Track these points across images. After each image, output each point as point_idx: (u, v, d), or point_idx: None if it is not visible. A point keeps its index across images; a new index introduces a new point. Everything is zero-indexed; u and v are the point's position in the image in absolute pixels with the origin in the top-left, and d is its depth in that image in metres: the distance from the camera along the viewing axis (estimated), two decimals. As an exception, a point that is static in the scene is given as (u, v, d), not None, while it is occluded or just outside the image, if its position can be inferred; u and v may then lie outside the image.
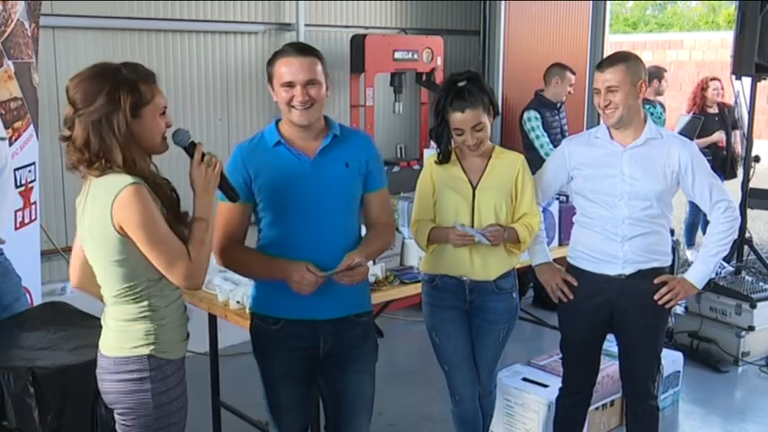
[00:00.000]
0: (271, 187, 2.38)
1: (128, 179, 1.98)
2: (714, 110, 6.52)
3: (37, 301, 3.52)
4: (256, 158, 2.40)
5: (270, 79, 2.41)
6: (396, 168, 5.46)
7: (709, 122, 6.45)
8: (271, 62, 2.40)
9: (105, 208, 1.98)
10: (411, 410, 4.10)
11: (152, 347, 2.12)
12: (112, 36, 4.49)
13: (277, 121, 2.49)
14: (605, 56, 3.00)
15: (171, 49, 4.74)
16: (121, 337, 2.15)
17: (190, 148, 2.12)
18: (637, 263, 2.92)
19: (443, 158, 2.98)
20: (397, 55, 5.38)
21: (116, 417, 2.18)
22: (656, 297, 2.92)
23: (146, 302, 2.11)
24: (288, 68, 2.34)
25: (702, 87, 6.58)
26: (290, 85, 2.33)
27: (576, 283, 3.01)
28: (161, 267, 2.04)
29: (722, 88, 6.56)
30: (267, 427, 2.99)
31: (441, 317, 3.04)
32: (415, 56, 5.48)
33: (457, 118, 2.84)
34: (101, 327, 2.99)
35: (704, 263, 2.97)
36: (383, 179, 2.60)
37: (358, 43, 5.28)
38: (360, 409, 2.64)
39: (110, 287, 2.13)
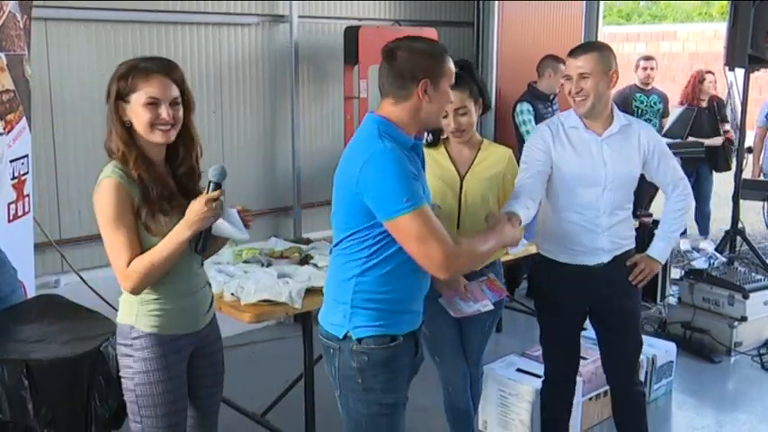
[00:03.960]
0: None
1: (106, 172, 2.18)
2: (705, 103, 6.55)
3: (31, 293, 3.51)
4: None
5: (441, 75, 2.22)
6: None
7: (701, 115, 6.47)
8: (441, 56, 2.23)
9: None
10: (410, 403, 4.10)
11: (134, 319, 2.25)
12: (104, 28, 4.46)
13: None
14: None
15: (164, 41, 4.73)
16: (120, 307, 2.31)
17: (214, 186, 2.17)
18: (613, 251, 2.97)
19: (432, 142, 3.02)
20: (391, 47, 5.36)
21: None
22: (630, 279, 2.99)
23: None
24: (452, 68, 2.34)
25: (700, 80, 6.60)
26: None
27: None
28: (110, 260, 2.19)
29: (715, 81, 6.58)
30: (260, 418, 2.98)
31: (430, 308, 3.04)
32: (409, 48, 5.46)
33: None
34: (94, 319, 3.01)
35: (665, 239, 3.08)
36: None
37: (351, 35, 5.26)
38: None
39: None
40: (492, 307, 2.86)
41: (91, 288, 4.07)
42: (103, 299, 3.95)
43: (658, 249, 3.05)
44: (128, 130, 2.19)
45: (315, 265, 3.39)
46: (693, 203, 3.13)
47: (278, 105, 5.42)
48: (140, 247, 2.16)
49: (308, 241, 3.96)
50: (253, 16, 5.20)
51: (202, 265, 2.42)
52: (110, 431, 2.77)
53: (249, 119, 5.25)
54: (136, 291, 2.18)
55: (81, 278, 4.16)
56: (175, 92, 2.21)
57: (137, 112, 2.16)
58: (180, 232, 2.14)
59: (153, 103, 2.15)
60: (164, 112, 2.16)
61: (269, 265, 3.43)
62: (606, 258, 2.96)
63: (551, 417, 3.30)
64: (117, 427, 2.76)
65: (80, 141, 4.40)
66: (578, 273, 2.96)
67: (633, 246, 3.07)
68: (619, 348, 3.09)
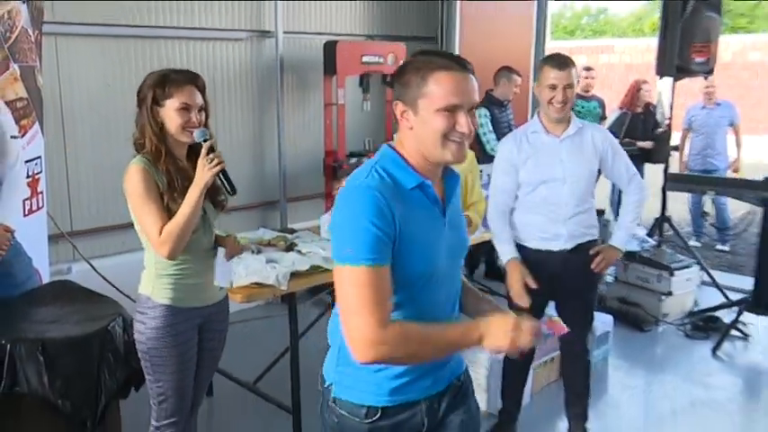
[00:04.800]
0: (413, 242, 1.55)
1: (133, 161, 2.24)
2: (641, 109, 6.62)
3: (45, 280, 3.45)
4: (399, 202, 1.53)
5: (418, 97, 1.55)
6: (364, 159, 5.45)
7: (635, 119, 6.55)
8: (428, 73, 1.55)
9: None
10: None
11: (150, 290, 2.32)
12: (109, 42, 4.39)
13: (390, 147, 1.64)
14: (550, 55, 2.99)
15: (163, 54, 4.66)
16: (141, 280, 2.37)
17: (201, 144, 2.24)
18: (576, 238, 2.99)
19: None
20: (365, 59, 5.35)
21: None
22: (592, 266, 3.00)
23: (152, 254, 2.30)
24: (456, 84, 1.56)
25: (638, 89, 6.67)
26: (456, 108, 1.54)
27: (534, 286, 2.89)
28: (144, 234, 2.25)
29: (650, 90, 6.65)
30: (252, 386, 2.96)
31: None
32: (381, 60, 5.45)
33: None
34: (103, 302, 2.98)
35: (625, 229, 3.08)
36: None
37: (330, 49, 5.24)
38: None
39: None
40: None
41: (99, 274, 4.02)
42: (111, 284, 3.90)
43: (619, 238, 3.06)
44: (160, 130, 2.26)
45: (299, 252, 3.38)
46: (646, 195, 3.10)
47: (265, 111, 5.37)
48: (168, 220, 2.20)
49: (292, 231, 3.94)
50: (242, 32, 5.14)
51: (215, 249, 2.45)
52: (117, 400, 2.75)
53: (240, 123, 5.21)
54: (172, 254, 2.19)
55: (91, 265, 4.10)
56: (201, 99, 2.29)
57: (170, 116, 2.24)
58: (193, 190, 2.19)
59: (185, 109, 2.24)
60: (194, 116, 2.26)
61: (258, 252, 3.41)
62: (569, 245, 2.97)
63: (512, 382, 3.32)
64: (124, 396, 2.74)
65: (88, 144, 4.33)
66: (544, 257, 2.98)
67: (597, 236, 3.08)
68: (576, 322, 3.11)
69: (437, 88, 1.53)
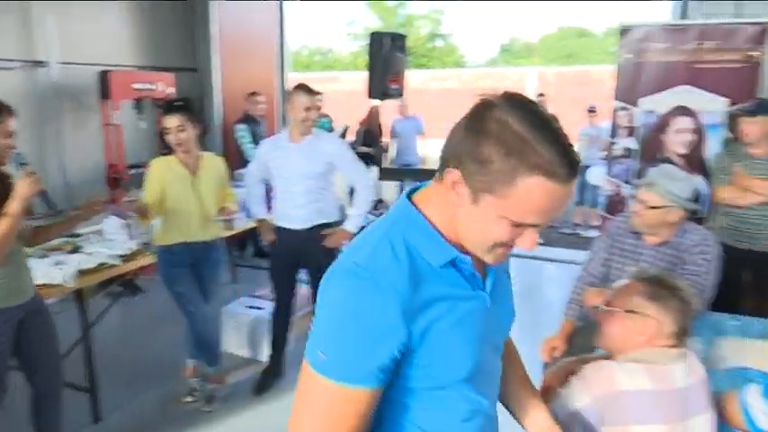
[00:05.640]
0: (444, 340, 0.93)
1: None
2: (371, 126, 7.07)
3: None
4: (421, 294, 0.91)
5: (490, 190, 0.87)
6: (142, 169, 5.08)
7: (368, 133, 6.98)
8: (521, 171, 0.84)
9: None
10: (172, 346, 3.91)
11: None
12: None
13: (409, 195, 1.02)
14: (303, 85, 3.01)
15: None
16: None
17: (21, 168, 2.10)
18: (311, 220, 3.07)
19: (167, 153, 2.92)
20: (136, 86, 4.97)
21: None
22: (324, 243, 3.09)
23: None
24: (551, 202, 0.86)
25: (375, 113, 7.09)
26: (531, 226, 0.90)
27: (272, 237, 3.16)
28: None
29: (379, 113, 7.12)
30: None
31: (180, 272, 2.93)
32: (152, 86, 5.10)
33: (165, 121, 2.80)
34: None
35: (356, 217, 3.14)
36: None
37: (104, 77, 4.78)
38: None
39: None
40: None
41: None
42: None
43: (351, 224, 3.10)
44: None
45: (84, 253, 3.07)
46: (373, 192, 3.20)
47: (46, 132, 4.71)
48: None
49: (78, 235, 3.54)
50: (15, 62, 4.43)
51: (25, 250, 2.24)
52: None
53: (20, 144, 4.48)
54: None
55: None
56: None
57: (1, 142, 2.02)
58: (16, 204, 2.00)
59: (9, 136, 2.10)
60: (12, 143, 2.11)
61: (45, 257, 3.03)
62: (306, 225, 3.04)
63: (278, 333, 3.38)
64: None
65: None
66: (288, 234, 3.08)
67: (334, 219, 3.13)
68: (317, 284, 3.23)
69: (525, 198, 0.84)
